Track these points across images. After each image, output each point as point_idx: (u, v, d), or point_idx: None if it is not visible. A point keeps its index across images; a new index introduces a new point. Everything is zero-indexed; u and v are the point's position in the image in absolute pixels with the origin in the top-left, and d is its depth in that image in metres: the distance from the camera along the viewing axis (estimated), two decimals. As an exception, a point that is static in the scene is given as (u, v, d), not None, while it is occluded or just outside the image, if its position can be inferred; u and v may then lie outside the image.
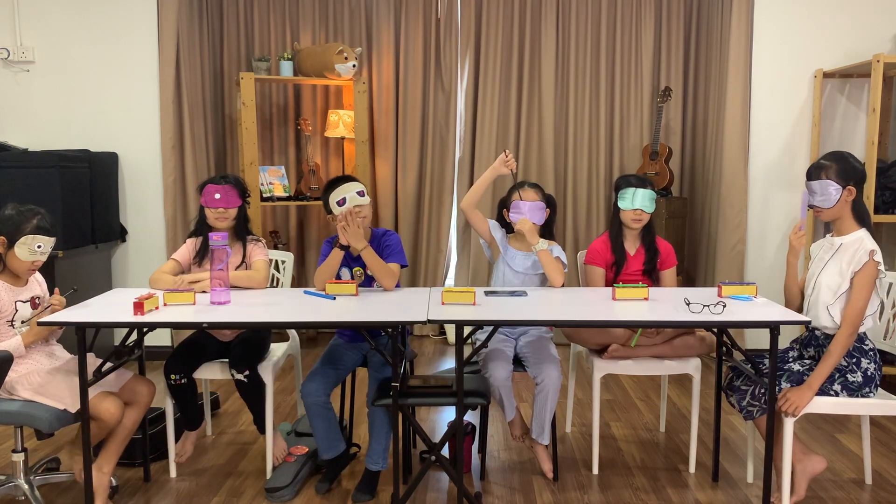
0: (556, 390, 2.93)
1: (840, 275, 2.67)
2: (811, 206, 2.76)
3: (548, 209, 3.18)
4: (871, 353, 2.70)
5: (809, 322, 2.69)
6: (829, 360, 2.62)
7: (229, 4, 4.98)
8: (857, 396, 2.68)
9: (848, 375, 2.68)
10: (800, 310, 2.88)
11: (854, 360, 2.68)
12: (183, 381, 2.93)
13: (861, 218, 2.72)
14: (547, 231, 3.22)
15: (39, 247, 2.67)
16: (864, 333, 2.70)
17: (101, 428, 2.66)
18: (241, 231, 3.13)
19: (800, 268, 2.97)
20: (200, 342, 3.08)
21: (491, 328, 2.72)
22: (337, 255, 2.96)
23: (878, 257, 2.61)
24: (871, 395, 2.69)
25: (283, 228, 5.25)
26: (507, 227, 3.24)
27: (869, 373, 2.67)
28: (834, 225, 2.78)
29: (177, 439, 3.15)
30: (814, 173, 2.73)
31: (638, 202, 3.14)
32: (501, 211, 3.25)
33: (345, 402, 3.32)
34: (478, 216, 3.17)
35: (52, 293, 2.83)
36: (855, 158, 2.73)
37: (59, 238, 2.83)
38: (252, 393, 2.95)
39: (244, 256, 3.11)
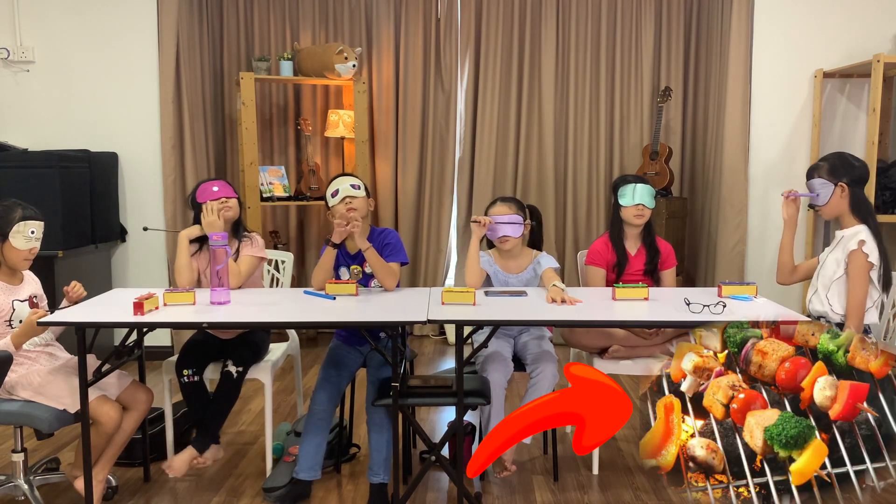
0: (550, 387, 2.92)
1: (836, 262, 2.77)
2: (811, 207, 2.87)
3: (530, 221, 3.16)
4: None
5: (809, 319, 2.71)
6: None
7: (229, 4, 4.98)
8: None
9: None
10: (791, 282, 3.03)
11: None
12: (195, 378, 2.92)
13: (861, 214, 2.79)
14: (533, 242, 3.23)
15: (33, 232, 2.68)
16: (868, 327, 2.71)
17: (101, 434, 2.66)
18: (235, 229, 3.14)
19: (800, 255, 3.00)
20: (204, 341, 3.08)
21: (490, 328, 2.71)
22: (330, 253, 2.95)
23: (868, 249, 2.68)
24: None
25: (283, 228, 5.25)
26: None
27: None
28: (837, 222, 2.87)
29: (176, 441, 3.15)
30: (809, 173, 2.86)
31: (638, 197, 3.16)
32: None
33: (345, 403, 3.32)
34: (483, 277, 3.11)
35: (48, 293, 2.83)
36: (853, 157, 2.81)
37: (58, 237, 2.83)
38: (230, 391, 2.92)
39: (238, 252, 3.12)
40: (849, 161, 2.79)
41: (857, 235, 2.73)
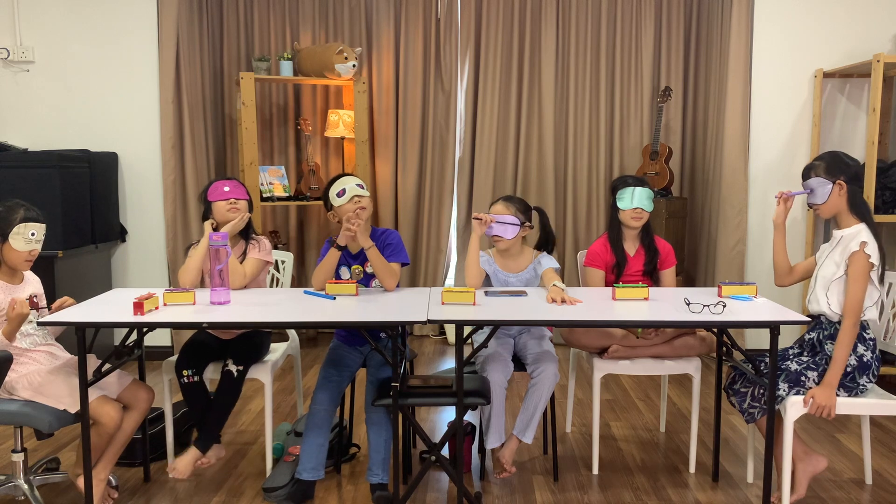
0: (550, 387, 2.93)
1: (835, 264, 2.74)
2: (810, 206, 2.84)
3: (529, 224, 3.12)
4: (871, 341, 2.72)
5: (810, 322, 2.70)
6: (840, 354, 2.63)
7: (229, 4, 4.98)
8: (854, 385, 2.67)
9: None
10: (788, 283, 3.00)
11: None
12: (195, 378, 2.92)
13: (860, 213, 2.77)
14: (544, 244, 3.21)
15: (33, 234, 2.68)
16: (866, 322, 2.72)
17: (101, 434, 2.65)
18: (243, 231, 3.13)
19: (801, 255, 2.98)
20: (204, 341, 3.08)
21: (490, 328, 2.71)
22: (334, 255, 2.95)
23: (870, 250, 2.67)
24: (868, 384, 2.69)
25: (283, 228, 5.25)
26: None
27: (865, 359, 2.68)
28: (835, 221, 2.85)
29: (177, 441, 3.15)
30: (805, 172, 2.84)
31: (636, 201, 3.15)
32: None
33: (345, 403, 3.32)
34: (483, 276, 3.10)
35: (48, 293, 2.82)
36: (847, 157, 2.80)
37: (58, 237, 2.83)
38: (230, 391, 2.91)
39: (244, 254, 3.11)
40: (843, 160, 2.78)
41: (858, 236, 2.71)
